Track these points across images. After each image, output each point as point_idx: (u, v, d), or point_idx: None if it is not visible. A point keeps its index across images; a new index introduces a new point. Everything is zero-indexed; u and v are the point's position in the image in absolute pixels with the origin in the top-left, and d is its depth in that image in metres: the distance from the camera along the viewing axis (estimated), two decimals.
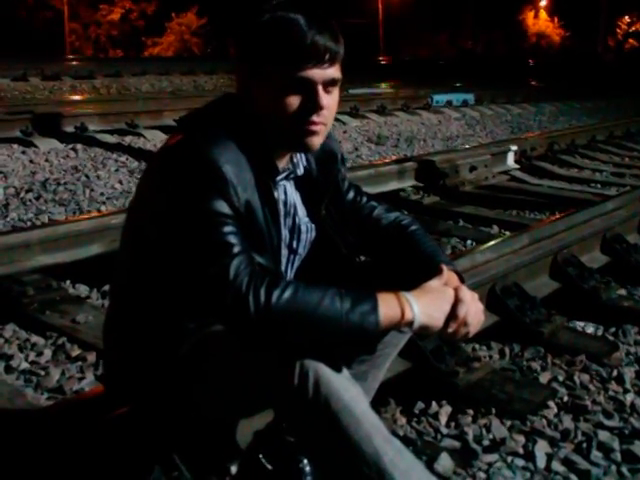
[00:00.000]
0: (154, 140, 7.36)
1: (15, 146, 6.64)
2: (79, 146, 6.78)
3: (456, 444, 1.99)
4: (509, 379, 2.34)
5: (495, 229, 4.50)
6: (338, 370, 1.33)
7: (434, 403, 2.19)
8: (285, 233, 1.57)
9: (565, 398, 2.26)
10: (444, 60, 32.15)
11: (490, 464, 1.89)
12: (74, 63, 19.69)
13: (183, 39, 44.58)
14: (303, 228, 1.60)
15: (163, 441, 1.60)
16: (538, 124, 10.58)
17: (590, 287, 3.14)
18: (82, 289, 3.19)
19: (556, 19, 48.84)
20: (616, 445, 1.99)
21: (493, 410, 2.15)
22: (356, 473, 1.29)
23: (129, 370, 1.55)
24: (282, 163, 1.53)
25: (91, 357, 2.47)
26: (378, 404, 2.09)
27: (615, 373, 2.44)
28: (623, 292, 3.28)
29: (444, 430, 2.06)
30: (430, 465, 1.83)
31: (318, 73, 1.39)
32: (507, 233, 4.17)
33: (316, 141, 1.46)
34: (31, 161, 6.09)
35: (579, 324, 2.92)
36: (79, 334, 2.64)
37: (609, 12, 44.12)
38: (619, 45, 46.74)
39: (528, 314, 2.76)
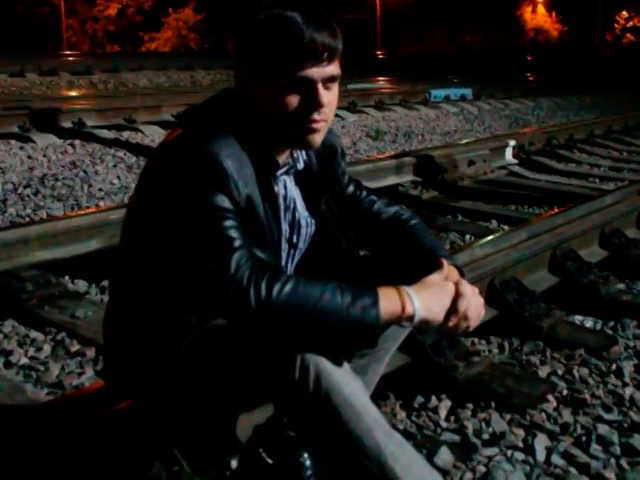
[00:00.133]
0: (152, 135, 7.35)
1: (13, 142, 6.63)
2: (77, 141, 6.77)
3: (456, 438, 1.99)
4: (508, 373, 2.34)
5: (494, 224, 4.51)
6: (339, 364, 1.33)
7: (434, 397, 2.19)
8: (285, 227, 1.56)
9: (564, 392, 2.26)
10: (442, 55, 32.12)
11: (490, 458, 1.89)
12: (71, 59, 19.66)
13: (180, 34, 44.55)
14: (303, 222, 1.60)
15: (163, 436, 1.60)
16: (536, 119, 10.59)
17: (589, 281, 3.14)
18: (81, 284, 3.19)
19: (554, 14, 48.81)
20: (615, 438, 1.99)
21: (493, 404, 2.15)
22: (357, 467, 1.29)
23: (129, 365, 1.55)
24: (282, 158, 1.53)
25: (90, 352, 2.47)
26: (378, 398, 2.09)
27: (614, 367, 2.44)
28: (622, 286, 3.29)
29: (444, 424, 2.07)
30: (430, 459, 1.83)
31: (317, 71, 1.39)
32: (506, 228, 4.17)
33: (317, 138, 1.45)
34: (29, 157, 6.08)
35: (578, 318, 2.92)
36: (78, 329, 2.64)
37: (607, 7, 44.09)
38: (617, 40, 46.73)
39: (527, 308, 2.76)
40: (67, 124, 7.32)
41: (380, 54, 33.87)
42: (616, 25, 47.18)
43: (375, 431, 1.29)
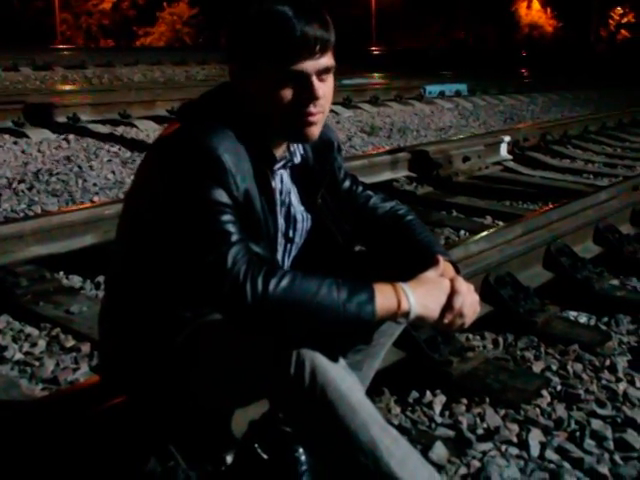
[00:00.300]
0: (147, 130, 7.34)
1: (7, 137, 6.61)
2: (71, 136, 6.75)
3: (450, 433, 2.00)
4: (503, 368, 2.35)
5: (488, 219, 4.51)
6: (334, 359, 1.34)
7: (428, 392, 2.20)
8: (281, 222, 1.56)
9: (558, 387, 2.27)
10: (437, 51, 32.08)
11: (484, 453, 1.90)
12: (65, 53, 19.60)
13: (175, 29, 44.40)
14: (299, 217, 1.60)
15: (159, 431, 1.60)
16: (531, 115, 10.60)
17: (583, 277, 3.15)
18: (76, 280, 3.18)
19: (549, 10, 48.82)
20: (609, 433, 2.00)
21: (487, 399, 2.16)
22: (352, 462, 1.29)
23: (124, 360, 1.55)
24: (279, 152, 1.53)
25: (85, 348, 2.46)
26: (373, 394, 2.10)
27: (608, 362, 2.45)
28: (616, 282, 3.30)
29: (438, 419, 2.07)
30: (425, 454, 1.83)
31: (311, 64, 1.38)
32: (500, 223, 4.18)
33: (315, 131, 1.45)
34: (23, 152, 6.07)
35: (572, 314, 2.93)
36: (73, 325, 2.63)
37: (601, 3, 44.11)
38: (611, 36, 46.76)
39: (522, 304, 2.77)
40: (61, 119, 7.30)
41: (375, 50, 33.82)
42: (610, 21, 47.18)
43: (370, 426, 1.30)
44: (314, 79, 1.39)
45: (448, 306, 1.43)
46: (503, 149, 6.49)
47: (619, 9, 46.86)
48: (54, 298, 2.85)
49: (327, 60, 1.41)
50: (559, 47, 39.46)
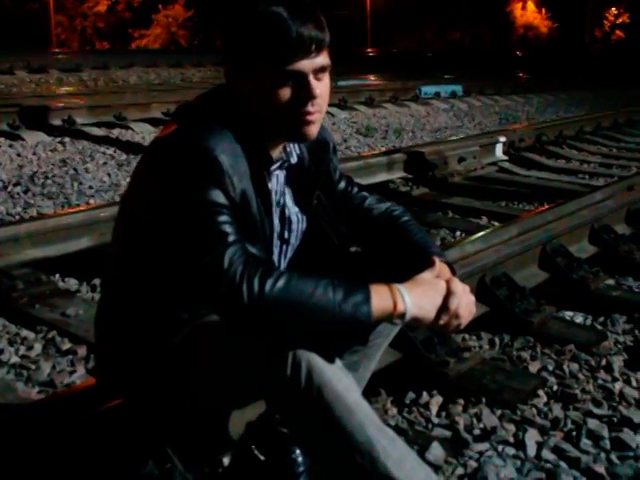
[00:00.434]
0: (142, 133, 7.33)
1: (2, 139, 6.60)
2: (67, 139, 6.74)
3: (447, 433, 2.00)
4: (499, 369, 2.35)
5: (484, 220, 4.52)
6: (330, 360, 1.34)
7: (425, 393, 2.20)
8: (276, 223, 1.57)
9: (555, 387, 2.28)
10: (432, 52, 32.13)
11: (481, 453, 1.90)
12: (60, 56, 19.58)
13: (170, 31, 44.38)
14: (294, 218, 1.60)
15: (156, 433, 1.60)
16: (526, 115, 10.61)
17: (579, 277, 3.16)
18: (72, 283, 3.18)
19: (544, 10, 48.90)
20: (605, 433, 2.01)
21: (483, 399, 2.16)
22: (349, 462, 1.30)
23: (121, 362, 1.55)
24: (276, 153, 1.53)
25: (82, 350, 2.46)
26: (369, 394, 2.10)
27: (604, 362, 2.46)
28: (611, 282, 3.30)
29: (435, 420, 2.08)
30: (421, 454, 1.84)
31: (307, 64, 1.39)
32: (496, 224, 4.18)
33: (313, 130, 1.46)
34: (18, 154, 6.06)
35: (568, 314, 2.94)
36: (69, 327, 2.63)
37: (596, 4, 44.21)
38: (606, 37, 46.86)
39: (518, 304, 2.78)
40: (57, 122, 7.29)
41: (370, 51, 33.86)
42: (605, 22, 47.31)
43: (367, 426, 1.30)
44: (311, 78, 1.40)
45: (444, 307, 1.43)
46: (498, 150, 6.50)
47: (614, 10, 46.98)
48: (50, 301, 2.85)
49: (323, 59, 1.42)
50: (554, 48, 39.54)
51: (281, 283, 1.29)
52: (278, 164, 1.54)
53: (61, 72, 15.08)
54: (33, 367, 2.36)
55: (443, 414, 2.11)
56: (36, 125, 7.11)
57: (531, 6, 49.97)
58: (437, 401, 2.17)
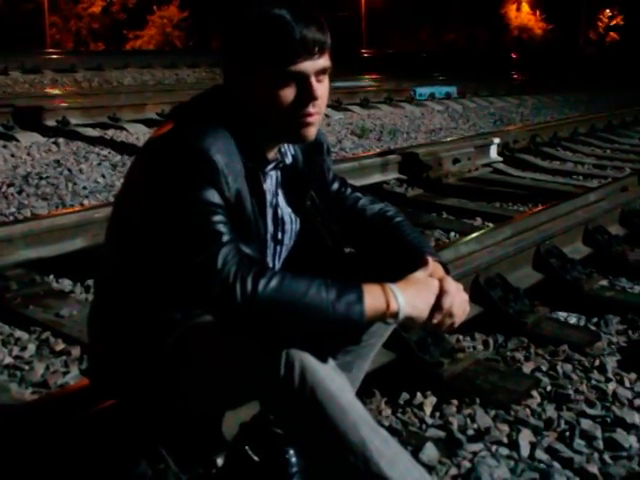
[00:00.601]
0: (137, 134, 7.32)
1: None
2: (61, 140, 6.73)
3: (441, 434, 2.00)
4: (493, 369, 2.35)
5: (478, 221, 4.53)
6: (324, 360, 1.34)
7: (419, 394, 2.20)
8: (269, 223, 1.57)
9: (548, 387, 2.28)
10: (427, 53, 32.16)
11: (475, 453, 1.90)
12: (55, 56, 19.48)
13: (165, 32, 44.31)
14: (287, 219, 1.60)
15: (149, 434, 1.60)
16: (520, 117, 10.64)
17: (572, 278, 3.16)
18: (66, 283, 3.17)
19: (538, 12, 49.01)
20: (598, 433, 2.01)
21: (477, 400, 2.17)
22: (342, 462, 1.29)
23: (114, 362, 1.54)
24: (271, 153, 1.53)
25: (75, 351, 2.46)
26: (363, 395, 2.10)
27: (597, 362, 2.46)
28: (605, 283, 3.31)
29: (429, 420, 2.08)
30: (415, 455, 1.84)
31: (309, 65, 1.40)
32: (490, 225, 4.19)
33: (313, 131, 1.47)
34: (12, 155, 6.04)
35: (562, 314, 2.95)
36: (63, 328, 2.63)
37: (590, 5, 44.33)
38: (600, 38, 46.98)
39: (511, 305, 2.78)
40: (51, 122, 7.27)
41: (365, 52, 33.86)
42: (599, 24, 47.43)
43: (360, 427, 1.30)
44: (313, 80, 1.41)
45: (437, 306, 1.43)
46: (493, 151, 6.51)
47: (608, 12, 47.10)
48: (44, 302, 2.84)
49: (324, 61, 1.43)
50: (549, 49, 39.63)
51: (274, 283, 1.29)
52: (273, 165, 1.54)
53: (55, 73, 15.03)
54: (27, 368, 2.36)
55: (437, 415, 2.11)
56: (30, 126, 7.09)
57: (526, 8, 50.06)
58: (431, 402, 2.17)
